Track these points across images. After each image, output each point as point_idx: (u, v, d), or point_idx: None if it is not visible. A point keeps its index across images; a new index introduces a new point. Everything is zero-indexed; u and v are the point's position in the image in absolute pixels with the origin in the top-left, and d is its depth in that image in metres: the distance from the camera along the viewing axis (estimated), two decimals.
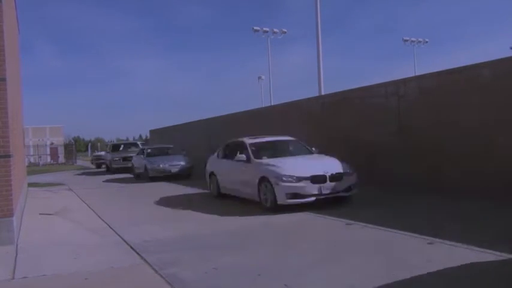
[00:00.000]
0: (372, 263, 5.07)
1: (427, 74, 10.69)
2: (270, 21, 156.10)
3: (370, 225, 6.91)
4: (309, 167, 8.95)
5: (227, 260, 5.49)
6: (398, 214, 7.80)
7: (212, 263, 5.38)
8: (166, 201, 11.39)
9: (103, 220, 8.95)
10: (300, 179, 8.56)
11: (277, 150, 10.36)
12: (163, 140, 27.29)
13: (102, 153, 32.90)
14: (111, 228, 8.06)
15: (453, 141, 9.50)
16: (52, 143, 63.95)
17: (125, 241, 6.90)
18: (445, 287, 4.19)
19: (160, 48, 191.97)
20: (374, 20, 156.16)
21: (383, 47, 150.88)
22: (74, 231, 8.07)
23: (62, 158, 55.32)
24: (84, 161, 50.65)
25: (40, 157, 51.35)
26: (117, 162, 23.67)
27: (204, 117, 23.82)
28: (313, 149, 10.51)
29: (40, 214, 10.06)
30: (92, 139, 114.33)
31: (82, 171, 29.63)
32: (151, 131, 32.66)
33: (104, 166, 28.20)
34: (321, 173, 8.70)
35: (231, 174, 10.57)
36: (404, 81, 11.08)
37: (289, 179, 8.60)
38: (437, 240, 5.75)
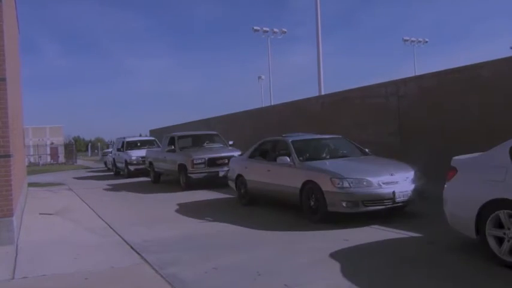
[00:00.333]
0: None
1: (427, 74, 10.70)
2: (274, 21, 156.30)
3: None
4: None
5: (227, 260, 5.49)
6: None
7: (212, 262, 5.39)
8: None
9: (103, 220, 8.95)
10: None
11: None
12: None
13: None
14: (111, 228, 8.07)
15: (453, 141, 9.50)
16: (52, 143, 63.95)
17: (125, 241, 6.90)
18: None
19: (163, 48, 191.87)
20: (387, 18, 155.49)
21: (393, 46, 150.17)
22: (74, 231, 8.07)
23: (62, 158, 55.31)
24: (84, 161, 50.64)
25: (40, 157, 51.35)
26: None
27: (204, 117, 23.86)
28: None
29: (40, 214, 10.06)
30: (92, 139, 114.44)
31: (85, 171, 29.54)
32: (151, 131, 32.64)
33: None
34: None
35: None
36: (405, 81, 11.08)
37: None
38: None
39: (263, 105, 32.75)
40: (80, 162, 48.91)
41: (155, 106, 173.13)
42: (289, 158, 8.52)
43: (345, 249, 5.71)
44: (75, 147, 57.68)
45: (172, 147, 14.87)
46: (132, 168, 19.47)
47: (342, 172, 7.37)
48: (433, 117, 10.07)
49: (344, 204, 7.09)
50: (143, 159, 18.63)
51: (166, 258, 5.72)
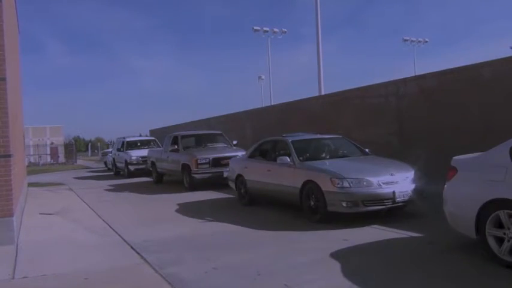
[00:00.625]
0: None
1: (427, 74, 10.70)
2: (280, 20, 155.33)
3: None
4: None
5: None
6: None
7: (212, 262, 5.39)
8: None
9: (103, 220, 8.95)
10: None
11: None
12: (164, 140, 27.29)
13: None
14: (111, 228, 8.07)
15: (453, 141, 9.50)
16: (52, 143, 63.92)
17: (125, 241, 6.90)
18: None
19: (166, 47, 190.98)
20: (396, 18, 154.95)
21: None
22: (74, 231, 8.07)
23: (62, 158, 55.30)
24: (84, 161, 50.64)
25: (40, 157, 51.35)
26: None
27: (205, 117, 23.86)
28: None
29: (40, 214, 10.06)
30: (92, 139, 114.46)
31: (85, 171, 29.55)
32: (151, 131, 32.63)
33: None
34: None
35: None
36: (405, 81, 11.08)
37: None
38: None
39: (263, 105, 32.79)
40: (80, 162, 48.91)
41: (155, 106, 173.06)
42: (289, 158, 8.50)
43: (345, 249, 5.70)
44: (75, 147, 57.70)
45: (176, 146, 14.59)
46: (132, 168, 19.47)
47: (342, 172, 7.35)
48: (433, 117, 10.07)
49: (344, 204, 7.06)
50: (143, 159, 18.63)
51: (166, 258, 5.72)
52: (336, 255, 5.44)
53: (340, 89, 13.74)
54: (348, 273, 4.72)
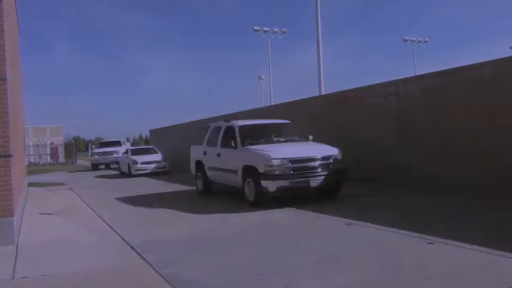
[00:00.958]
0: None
1: (427, 74, 10.70)
2: (288, 19, 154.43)
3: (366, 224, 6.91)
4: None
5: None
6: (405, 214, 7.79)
7: (213, 262, 5.38)
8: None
9: (103, 220, 8.95)
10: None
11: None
12: (164, 140, 27.33)
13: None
14: (111, 228, 8.07)
15: (452, 141, 9.50)
16: (52, 143, 63.88)
17: (125, 241, 6.89)
18: None
19: (170, 47, 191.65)
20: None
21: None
22: (74, 231, 8.07)
23: (62, 158, 55.30)
24: (84, 161, 50.63)
25: (40, 157, 51.36)
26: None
27: (204, 117, 23.84)
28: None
29: (40, 214, 10.06)
30: (92, 139, 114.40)
31: (85, 171, 29.54)
32: (151, 131, 32.65)
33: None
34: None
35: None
36: (405, 81, 11.08)
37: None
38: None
39: (262, 105, 32.79)
40: (80, 162, 48.92)
41: (156, 106, 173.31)
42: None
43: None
44: (75, 147, 57.70)
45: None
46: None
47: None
48: (433, 116, 10.06)
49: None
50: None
51: (166, 258, 5.71)
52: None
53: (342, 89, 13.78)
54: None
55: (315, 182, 8.79)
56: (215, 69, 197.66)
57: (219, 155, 10.36)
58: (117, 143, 30.17)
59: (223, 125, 10.98)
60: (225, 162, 10.01)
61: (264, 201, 8.71)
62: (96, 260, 5.83)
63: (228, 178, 9.93)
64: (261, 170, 8.56)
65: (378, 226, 6.80)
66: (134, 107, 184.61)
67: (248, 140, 9.62)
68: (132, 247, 6.46)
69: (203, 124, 12.45)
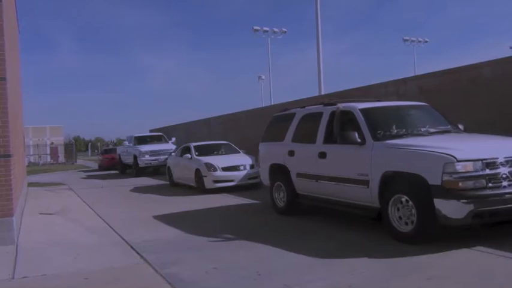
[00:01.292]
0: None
1: (427, 74, 10.70)
2: (296, 17, 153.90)
3: None
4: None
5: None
6: None
7: (212, 262, 5.39)
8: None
9: (103, 220, 8.95)
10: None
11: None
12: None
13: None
14: (111, 228, 8.07)
15: None
16: (52, 143, 63.90)
17: (125, 241, 6.89)
18: None
19: (173, 47, 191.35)
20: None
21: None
22: (74, 230, 8.07)
23: (62, 158, 55.33)
24: (84, 161, 50.65)
25: (40, 157, 51.38)
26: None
27: (204, 117, 23.86)
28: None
29: (40, 214, 10.06)
30: (92, 139, 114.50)
31: (85, 171, 29.51)
32: (151, 131, 32.64)
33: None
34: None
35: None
36: (404, 81, 11.08)
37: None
38: None
39: (263, 105, 32.78)
40: (80, 162, 48.95)
41: (156, 106, 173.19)
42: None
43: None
44: (75, 147, 57.73)
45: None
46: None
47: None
48: None
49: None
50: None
51: (166, 258, 5.71)
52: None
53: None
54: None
55: None
56: (215, 70, 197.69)
57: (322, 155, 7.26)
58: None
59: (325, 110, 7.56)
60: (335, 167, 7.06)
61: (433, 234, 5.48)
62: (96, 260, 5.83)
63: (342, 192, 6.87)
64: (432, 181, 5.28)
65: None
66: (134, 107, 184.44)
67: (380, 132, 6.51)
68: (132, 247, 6.44)
69: (280, 110, 9.81)
